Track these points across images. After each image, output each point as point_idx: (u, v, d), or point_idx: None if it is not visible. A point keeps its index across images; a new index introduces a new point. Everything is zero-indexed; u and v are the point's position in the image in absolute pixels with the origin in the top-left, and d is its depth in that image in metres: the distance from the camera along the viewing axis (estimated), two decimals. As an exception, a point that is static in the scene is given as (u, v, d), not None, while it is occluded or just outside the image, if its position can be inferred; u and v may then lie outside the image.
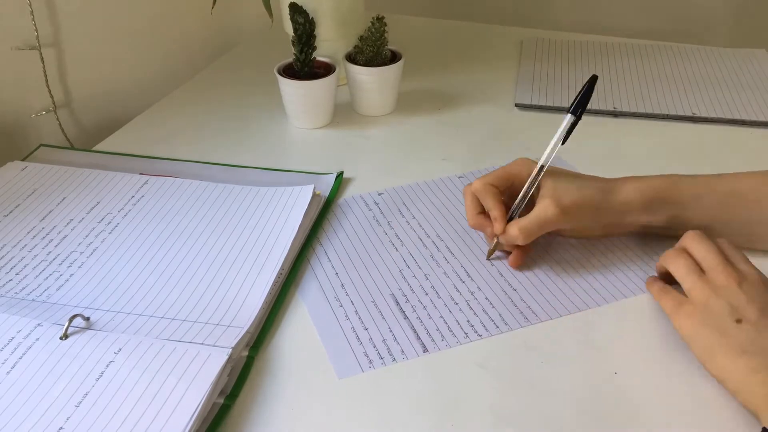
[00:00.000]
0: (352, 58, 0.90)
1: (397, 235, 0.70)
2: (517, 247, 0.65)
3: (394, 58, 0.91)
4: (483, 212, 0.65)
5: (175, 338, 0.56)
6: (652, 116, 0.91)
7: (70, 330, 0.56)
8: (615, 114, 0.92)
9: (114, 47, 1.00)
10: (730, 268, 0.54)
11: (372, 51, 0.88)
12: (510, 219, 0.64)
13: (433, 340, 0.58)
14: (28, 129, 0.91)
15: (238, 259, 0.65)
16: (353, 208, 0.74)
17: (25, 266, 0.65)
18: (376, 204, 0.75)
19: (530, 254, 0.66)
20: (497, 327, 0.59)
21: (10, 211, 0.72)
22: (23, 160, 0.82)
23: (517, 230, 0.62)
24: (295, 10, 0.85)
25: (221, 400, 0.52)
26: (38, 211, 0.72)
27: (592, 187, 0.64)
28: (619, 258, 0.66)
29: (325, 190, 0.76)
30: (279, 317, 0.61)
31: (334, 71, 0.88)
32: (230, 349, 0.54)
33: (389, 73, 0.90)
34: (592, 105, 0.94)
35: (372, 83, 0.90)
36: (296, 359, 0.56)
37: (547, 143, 0.64)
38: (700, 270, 0.55)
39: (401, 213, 0.73)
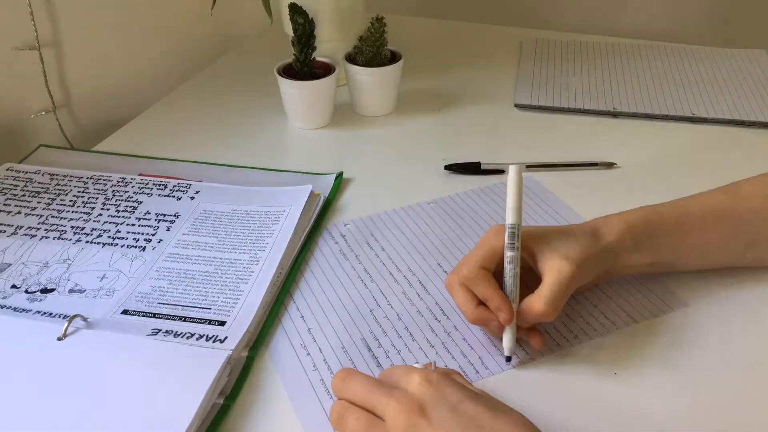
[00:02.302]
0: (351, 59, 0.90)
1: (366, 270, 0.65)
2: (531, 327, 0.56)
3: (393, 58, 0.91)
4: (481, 303, 0.56)
5: (173, 339, 0.56)
6: (651, 116, 0.91)
7: (69, 329, 0.56)
8: (614, 114, 0.92)
9: (114, 47, 1.00)
10: (399, 401, 0.44)
11: (372, 51, 0.88)
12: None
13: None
14: (27, 129, 0.91)
15: (237, 260, 0.65)
16: (318, 241, 0.70)
17: (24, 269, 0.65)
18: (343, 236, 0.70)
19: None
20: (477, 372, 0.55)
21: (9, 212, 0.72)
22: (22, 160, 0.83)
23: (543, 304, 0.53)
24: (295, 10, 0.85)
25: (221, 401, 0.52)
26: (41, 212, 0.73)
27: (583, 237, 0.57)
28: (599, 298, 0.62)
29: (325, 190, 0.76)
30: (278, 317, 0.61)
31: (333, 71, 0.88)
32: (230, 351, 0.54)
33: (389, 73, 0.90)
34: (592, 105, 0.94)
35: (372, 83, 0.90)
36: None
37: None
38: (377, 421, 0.45)
39: (369, 245, 0.69)
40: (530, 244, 0.56)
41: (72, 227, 0.70)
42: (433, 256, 0.68)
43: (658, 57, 1.08)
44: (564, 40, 1.14)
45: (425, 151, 0.85)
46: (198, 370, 0.52)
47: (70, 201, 0.74)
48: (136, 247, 0.67)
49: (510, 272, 0.55)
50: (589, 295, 0.62)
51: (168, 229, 0.70)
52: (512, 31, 1.18)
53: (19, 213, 0.72)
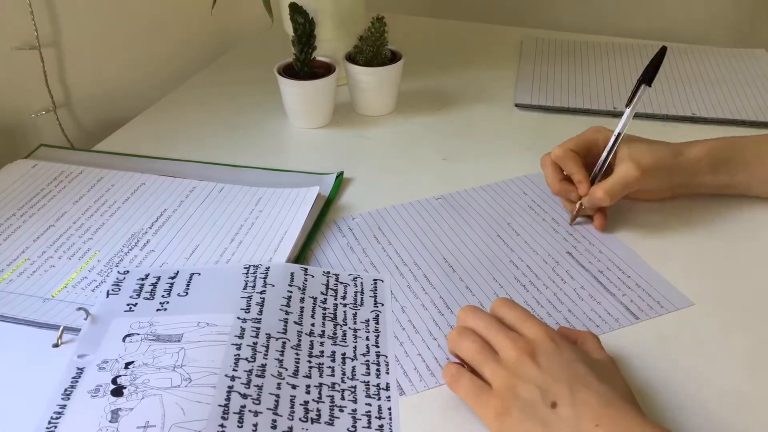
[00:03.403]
0: (352, 58, 0.90)
1: (372, 263, 0.67)
2: (599, 210, 0.69)
3: (394, 58, 0.91)
4: (565, 178, 0.70)
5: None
6: (652, 116, 0.91)
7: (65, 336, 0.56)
8: (615, 114, 0.92)
9: (114, 47, 1.00)
10: (515, 341, 0.49)
11: (372, 51, 0.88)
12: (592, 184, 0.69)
13: (410, 381, 0.54)
14: (28, 129, 0.91)
15: (242, 260, 0.65)
16: (326, 235, 0.70)
17: (38, 265, 0.65)
18: (350, 230, 0.71)
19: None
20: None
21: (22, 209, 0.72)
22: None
23: (602, 192, 0.66)
24: (295, 10, 0.85)
25: None
26: (53, 210, 0.73)
27: (664, 149, 0.68)
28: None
29: (326, 190, 0.76)
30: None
31: (334, 71, 0.88)
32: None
33: (389, 73, 0.90)
34: (591, 105, 0.94)
35: (372, 83, 0.90)
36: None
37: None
38: (491, 349, 0.50)
39: (376, 239, 0.70)
40: (619, 145, 0.68)
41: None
42: (438, 250, 0.68)
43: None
44: (564, 40, 1.14)
45: (425, 151, 0.85)
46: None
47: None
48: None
49: (601, 160, 0.69)
50: (593, 292, 0.62)
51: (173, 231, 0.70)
52: (512, 30, 1.18)
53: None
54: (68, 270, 0.64)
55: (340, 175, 0.79)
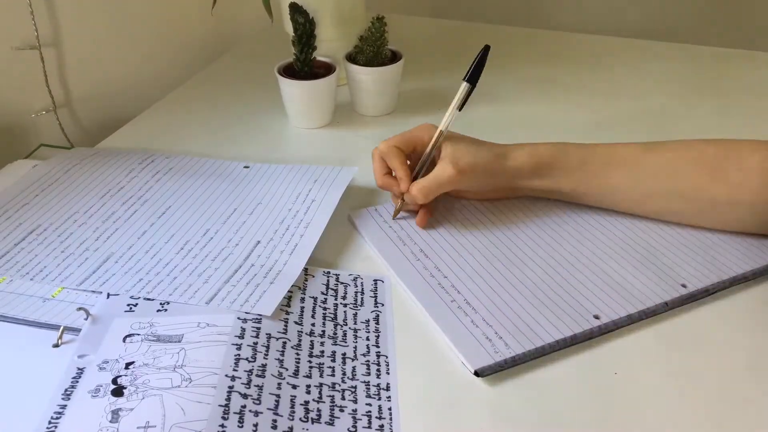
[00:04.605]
0: (352, 58, 0.90)
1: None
2: (422, 207, 0.70)
3: (394, 58, 0.91)
4: (390, 173, 0.71)
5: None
6: (652, 116, 0.92)
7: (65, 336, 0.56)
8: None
9: (114, 47, 1.00)
10: None
11: (372, 51, 0.88)
12: (414, 180, 0.69)
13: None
14: (28, 129, 0.91)
15: (275, 237, 0.67)
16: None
17: (45, 256, 0.65)
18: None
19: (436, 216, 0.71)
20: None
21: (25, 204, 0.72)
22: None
23: (416, 190, 0.67)
24: (296, 10, 0.85)
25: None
26: (55, 209, 0.73)
27: (487, 152, 0.68)
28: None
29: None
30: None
31: (334, 71, 0.88)
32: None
33: (389, 73, 0.90)
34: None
35: (372, 83, 0.90)
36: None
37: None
38: None
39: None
40: (443, 142, 0.68)
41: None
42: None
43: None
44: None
45: (425, 151, 0.85)
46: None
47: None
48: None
49: (423, 158, 0.69)
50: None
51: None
52: (512, 30, 1.18)
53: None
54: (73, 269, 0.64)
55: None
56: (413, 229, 0.70)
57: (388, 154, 0.70)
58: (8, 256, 0.65)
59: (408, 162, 0.70)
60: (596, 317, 0.58)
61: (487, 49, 0.68)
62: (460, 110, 0.69)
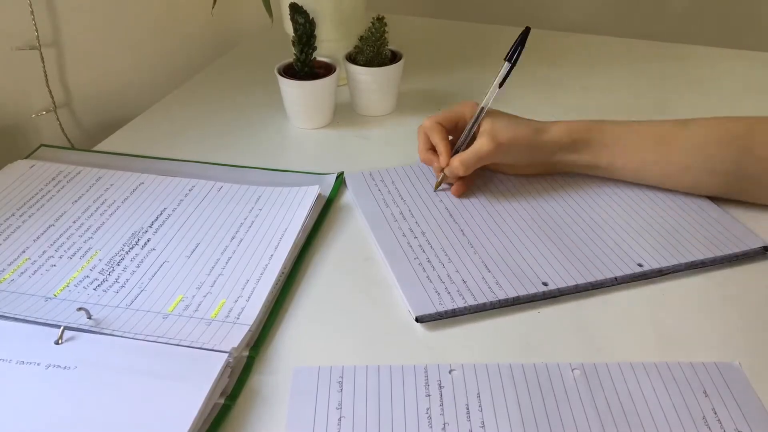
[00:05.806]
0: (352, 58, 0.90)
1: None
2: (460, 178, 0.73)
3: (394, 58, 0.91)
4: (432, 149, 0.74)
5: (177, 337, 0.56)
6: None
7: (67, 333, 0.56)
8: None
9: (114, 47, 1.00)
10: None
11: (372, 51, 0.88)
12: (455, 154, 0.72)
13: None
14: (28, 129, 0.91)
15: (242, 258, 0.65)
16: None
17: (40, 265, 0.65)
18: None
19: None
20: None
21: (20, 209, 0.72)
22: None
23: (458, 162, 0.71)
24: (296, 10, 0.85)
25: (222, 401, 0.52)
26: (53, 210, 0.73)
27: (525, 127, 0.72)
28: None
29: (326, 190, 0.76)
30: (279, 317, 0.61)
31: (334, 71, 0.88)
32: (229, 354, 0.54)
33: (389, 73, 0.90)
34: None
35: (372, 83, 0.90)
36: (296, 359, 0.56)
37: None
38: None
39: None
40: (484, 119, 0.72)
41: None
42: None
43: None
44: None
45: (425, 151, 0.85)
46: (199, 372, 0.52)
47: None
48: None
49: (464, 133, 0.73)
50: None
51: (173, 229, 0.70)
52: (512, 30, 1.18)
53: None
54: (69, 269, 0.64)
55: (340, 175, 0.79)
56: (408, 195, 0.75)
57: (431, 130, 0.73)
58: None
59: (450, 137, 0.74)
60: (544, 284, 0.61)
61: (527, 30, 0.71)
62: (500, 87, 0.72)
